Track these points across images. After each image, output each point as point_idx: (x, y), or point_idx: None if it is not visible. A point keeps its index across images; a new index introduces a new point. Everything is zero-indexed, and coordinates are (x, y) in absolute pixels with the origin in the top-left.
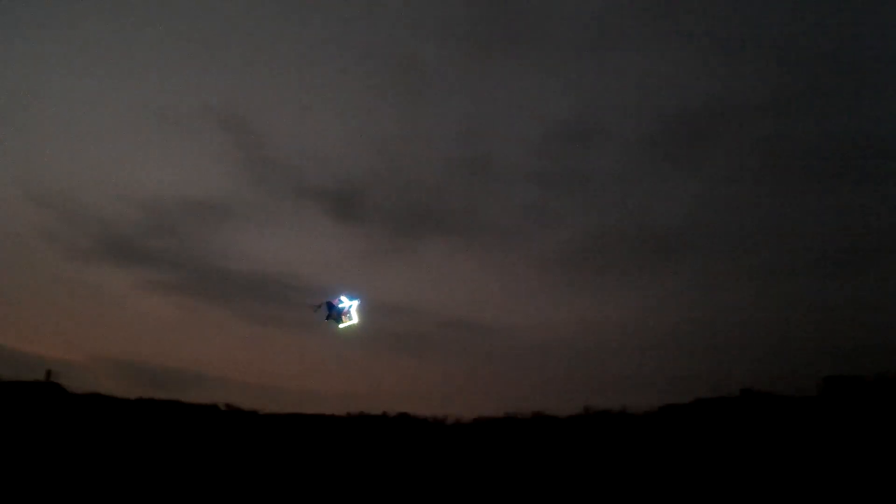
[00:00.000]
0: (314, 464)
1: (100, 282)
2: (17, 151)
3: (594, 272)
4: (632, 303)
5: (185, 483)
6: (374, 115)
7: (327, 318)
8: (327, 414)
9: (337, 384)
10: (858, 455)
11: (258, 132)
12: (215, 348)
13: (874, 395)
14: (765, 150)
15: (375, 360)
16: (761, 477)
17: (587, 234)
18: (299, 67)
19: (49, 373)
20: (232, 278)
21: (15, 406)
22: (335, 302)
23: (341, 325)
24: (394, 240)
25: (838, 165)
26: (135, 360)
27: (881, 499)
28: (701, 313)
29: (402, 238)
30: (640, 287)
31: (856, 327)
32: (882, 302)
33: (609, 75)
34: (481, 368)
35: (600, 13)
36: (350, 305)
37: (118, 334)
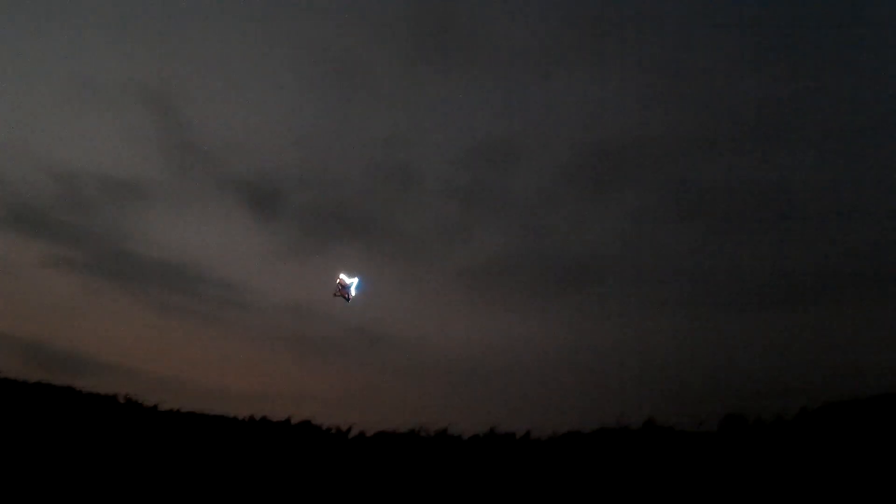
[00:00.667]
0: (212, 468)
1: (3, 252)
2: None
3: (507, 292)
4: (544, 326)
5: (75, 477)
6: (303, 111)
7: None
8: (229, 416)
9: (240, 381)
10: (742, 497)
11: (183, 115)
12: (117, 334)
13: (768, 436)
14: (678, 190)
15: (280, 361)
16: None
17: (502, 254)
18: (232, 54)
19: None
20: (141, 263)
21: None
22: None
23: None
24: (307, 239)
25: (751, 208)
26: (26, 338)
27: None
28: (612, 342)
29: (314, 237)
30: (552, 311)
31: (765, 366)
32: (793, 341)
33: (539, 100)
34: (389, 378)
35: (540, 39)
36: (351, 284)
37: (15, 309)
